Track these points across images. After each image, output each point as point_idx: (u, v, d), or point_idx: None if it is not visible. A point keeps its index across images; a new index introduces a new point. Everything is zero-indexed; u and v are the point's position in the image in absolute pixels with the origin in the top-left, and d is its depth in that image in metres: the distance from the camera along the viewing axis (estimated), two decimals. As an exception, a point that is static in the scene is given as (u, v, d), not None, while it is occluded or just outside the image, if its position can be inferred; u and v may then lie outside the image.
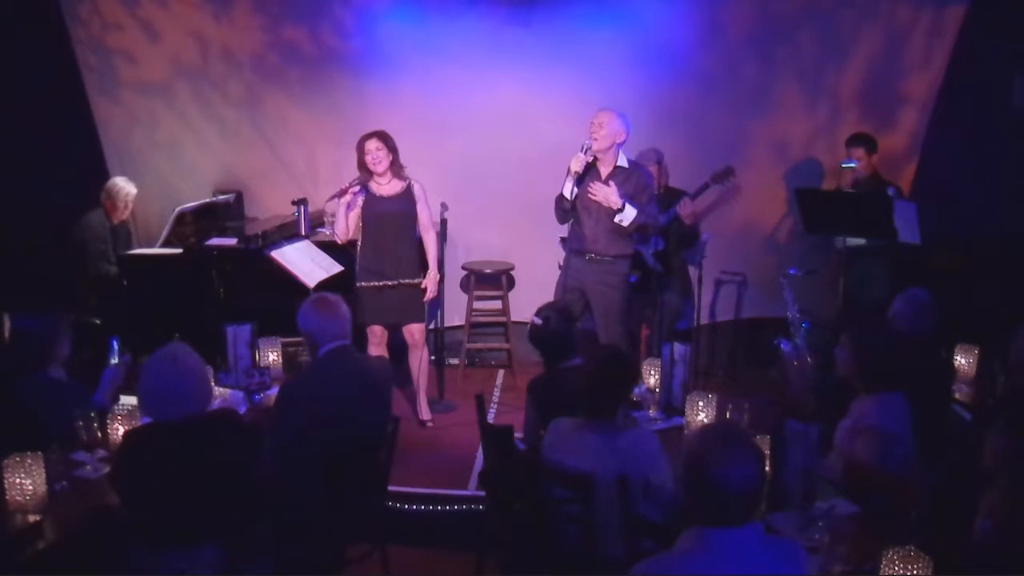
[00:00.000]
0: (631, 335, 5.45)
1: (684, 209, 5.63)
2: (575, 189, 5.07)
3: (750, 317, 6.50)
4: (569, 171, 5.04)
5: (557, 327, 3.98)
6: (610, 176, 5.07)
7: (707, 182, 5.69)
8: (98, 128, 6.53)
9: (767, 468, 3.09)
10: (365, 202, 5.24)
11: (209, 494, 2.87)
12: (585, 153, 5.00)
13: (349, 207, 5.22)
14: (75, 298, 5.66)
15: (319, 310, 3.59)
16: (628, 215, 5.01)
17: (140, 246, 6.29)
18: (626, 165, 5.09)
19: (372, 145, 5.15)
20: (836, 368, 3.59)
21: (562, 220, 5.25)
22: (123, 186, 6.05)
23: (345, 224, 5.24)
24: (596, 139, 5.01)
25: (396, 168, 5.21)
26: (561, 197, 5.11)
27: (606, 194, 4.99)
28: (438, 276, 5.39)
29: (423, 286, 5.32)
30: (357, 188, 5.20)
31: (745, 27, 6.09)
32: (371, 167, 5.15)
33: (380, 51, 6.26)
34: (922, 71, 6.09)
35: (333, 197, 5.24)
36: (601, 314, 5.14)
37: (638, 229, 5.13)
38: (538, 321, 4.01)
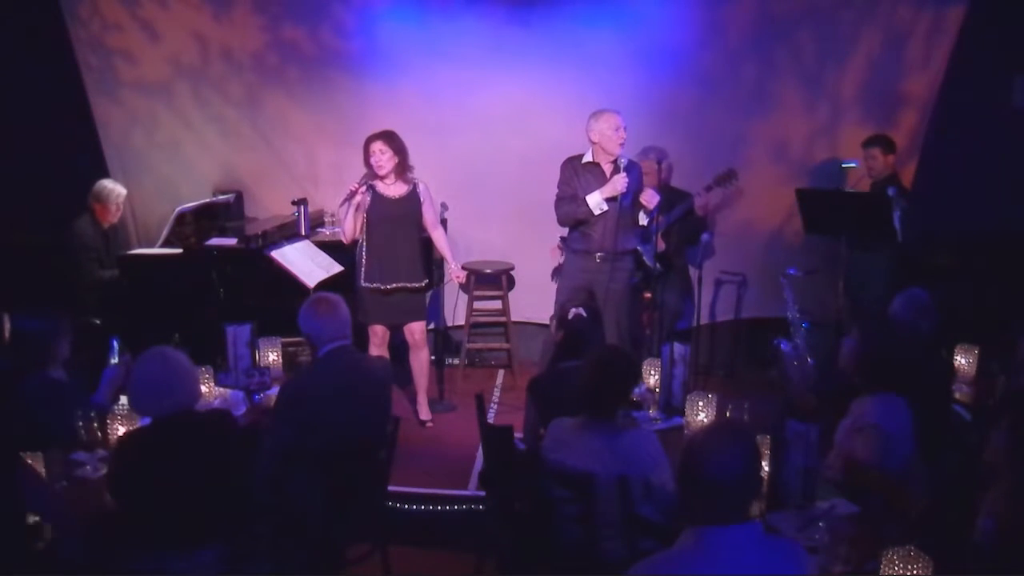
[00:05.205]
0: (632, 335, 5.47)
1: (699, 201, 5.69)
2: (604, 204, 5.10)
3: (750, 317, 6.50)
4: (610, 190, 5.07)
5: (592, 322, 4.00)
6: (613, 172, 5.13)
7: (710, 184, 5.68)
8: (98, 128, 6.53)
9: (765, 467, 3.10)
10: (371, 203, 5.18)
11: (205, 496, 2.87)
12: (624, 170, 5.06)
13: (358, 207, 5.18)
14: (75, 298, 5.66)
15: (319, 310, 3.60)
16: (643, 218, 5.22)
17: (140, 246, 6.29)
18: (623, 160, 5.12)
19: (377, 147, 5.11)
20: (839, 359, 3.58)
21: (567, 224, 5.28)
22: (112, 188, 5.93)
23: (353, 224, 5.21)
24: (624, 142, 5.10)
25: (402, 169, 5.17)
26: (581, 209, 5.12)
27: (615, 183, 5.05)
28: (458, 264, 5.56)
29: (453, 277, 5.49)
30: (365, 188, 5.15)
31: (745, 27, 6.09)
32: (375, 169, 5.12)
33: (380, 51, 6.26)
34: (922, 71, 6.09)
35: (345, 201, 5.16)
36: (611, 310, 5.17)
37: (651, 222, 5.26)
38: (583, 313, 4.00)
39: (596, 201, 5.09)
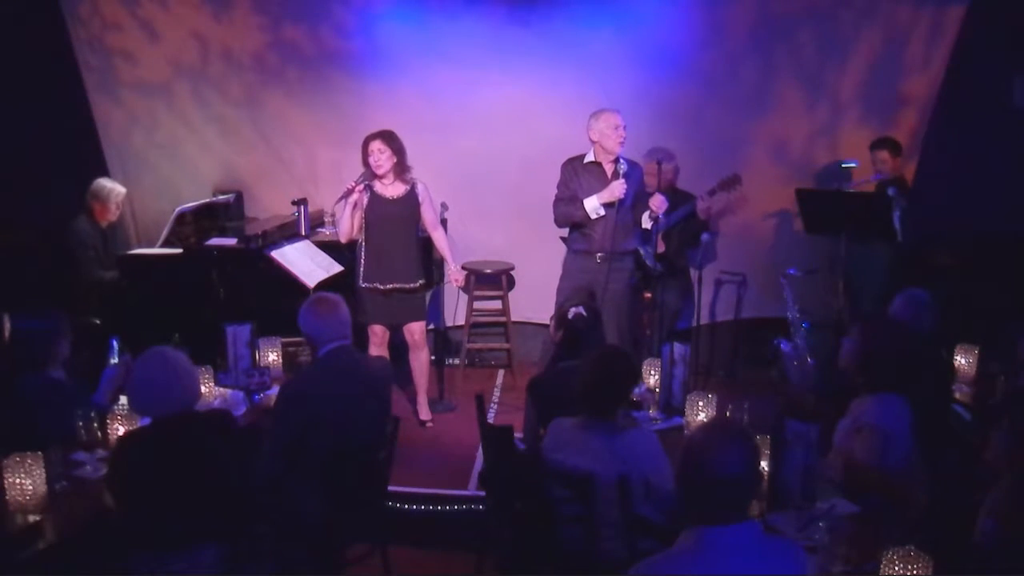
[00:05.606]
0: (632, 335, 5.47)
1: (701, 205, 5.67)
2: (601, 208, 5.10)
3: (750, 317, 6.50)
4: (607, 196, 5.07)
5: (592, 322, 3.99)
6: (613, 175, 5.14)
7: (713, 189, 5.66)
8: (98, 128, 6.53)
9: (764, 466, 3.10)
10: (369, 203, 5.17)
11: (205, 496, 2.87)
12: (625, 173, 5.06)
13: (355, 206, 5.16)
14: (74, 298, 5.66)
15: (319, 310, 3.59)
16: (646, 221, 5.24)
17: (140, 246, 6.28)
18: (624, 161, 5.12)
19: (375, 146, 5.10)
20: (839, 359, 3.58)
21: (564, 225, 5.29)
22: (112, 187, 5.93)
23: (350, 224, 5.18)
24: (623, 141, 5.10)
25: (400, 169, 5.16)
26: (578, 212, 5.12)
27: (612, 189, 5.04)
28: (458, 266, 5.52)
29: (451, 279, 5.42)
30: (363, 187, 5.15)
31: (745, 27, 6.09)
32: (373, 168, 5.12)
33: (380, 51, 6.26)
34: (922, 71, 6.09)
35: (341, 199, 5.15)
36: (611, 310, 5.18)
37: (655, 223, 5.27)
38: (583, 312, 3.99)
39: (593, 206, 5.09)
